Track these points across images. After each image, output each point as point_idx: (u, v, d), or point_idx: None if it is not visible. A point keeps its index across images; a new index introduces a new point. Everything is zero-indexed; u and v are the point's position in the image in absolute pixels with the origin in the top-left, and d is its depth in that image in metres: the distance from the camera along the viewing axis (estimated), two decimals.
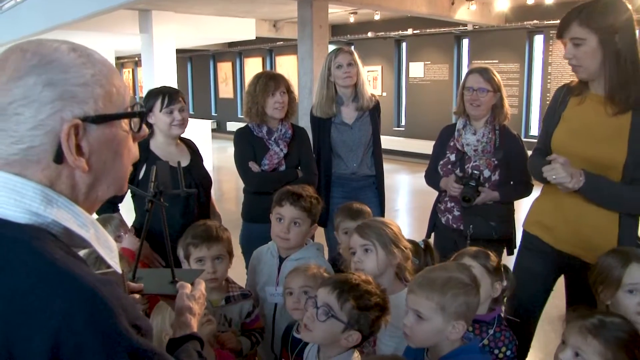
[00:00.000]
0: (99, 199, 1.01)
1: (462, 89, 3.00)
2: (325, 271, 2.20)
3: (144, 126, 1.06)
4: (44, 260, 0.84)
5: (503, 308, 2.23)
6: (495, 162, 2.94)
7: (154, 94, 2.89)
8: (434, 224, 3.20)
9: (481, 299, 1.97)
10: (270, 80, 3.17)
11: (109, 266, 1.01)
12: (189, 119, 3.09)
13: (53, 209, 0.90)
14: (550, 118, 2.37)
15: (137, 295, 1.42)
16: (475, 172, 2.91)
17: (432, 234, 3.21)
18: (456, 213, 3.02)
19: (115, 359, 0.81)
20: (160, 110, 2.83)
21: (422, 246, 2.41)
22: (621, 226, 2.19)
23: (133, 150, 1.05)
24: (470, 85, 2.93)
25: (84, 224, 0.95)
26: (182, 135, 3.01)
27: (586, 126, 2.19)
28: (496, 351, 2.01)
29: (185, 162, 2.92)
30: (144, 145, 2.86)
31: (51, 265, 0.83)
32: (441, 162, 3.10)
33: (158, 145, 2.90)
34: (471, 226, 2.91)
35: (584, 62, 2.10)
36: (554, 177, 2.12)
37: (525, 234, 2.51)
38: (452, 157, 3.05)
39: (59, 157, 0.91)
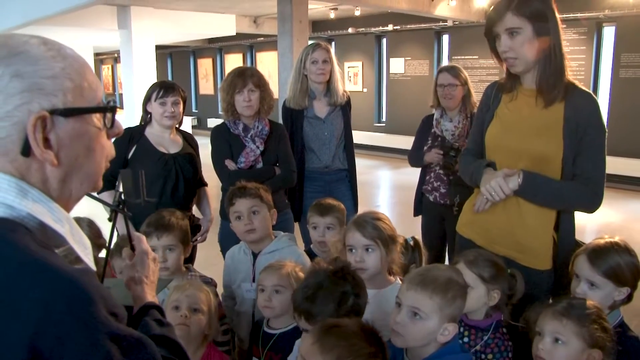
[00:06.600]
0: (73, 196, 0.99)
1: (435, 86, 3.57)
2: (301, 270, 2.18)
3: (118, 123, 1.04)
4: (22, 252, 0.83)
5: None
6: None
7: (154, 85, 3.17)
8: (420, 202, 3.71)
9: (474, 306, 1.97)
10: (236, 78, 3.13)
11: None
12: None
13: (28, 202, 0.89)
14: (483, 116, 2.32)
15: None
16: (455, 144, 3.43)
17: (419, 213, 3.75)
18: (442, 190, 3.53)
19: (98, 345, 0.81)
20: (155, 100, 3.09)
21: (411, 243, 2.39)
22: (561, 222, 2.15)
23: (107, 147, 1.04)
24: (441, 82, 3.51)
25: (59, 219, 0.94)
26: (183, 130, 3.32)
27: (519, 120, 2.15)
28: (483, 356, 1.97)
29: (174, 150, 3.16)
30: (140, 130, 3.15)
31: (29, 257, 0.82)
32: (426, 147, 3.59)
33: (153, 131, 3.15)
34: (458, 195, 3.37)
35: (521, 54, 2.05)
36: (493, 194, 2.07)
37: (459, 237, 2.42)
38: (435, 142, 3.56)
39: (26, 150, 0.89)
